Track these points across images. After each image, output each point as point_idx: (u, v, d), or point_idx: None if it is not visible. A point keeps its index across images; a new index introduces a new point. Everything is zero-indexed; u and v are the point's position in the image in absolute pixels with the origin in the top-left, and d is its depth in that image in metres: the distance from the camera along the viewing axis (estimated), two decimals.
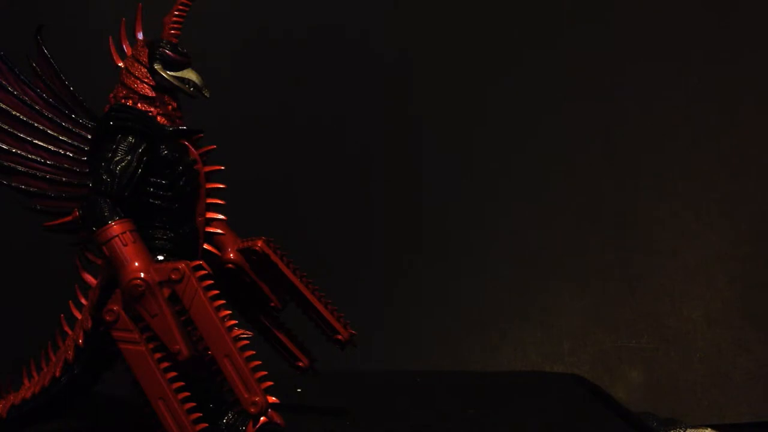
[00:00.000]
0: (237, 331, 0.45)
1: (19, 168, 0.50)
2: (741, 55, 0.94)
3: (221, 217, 0.53)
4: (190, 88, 0.51)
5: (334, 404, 0.63)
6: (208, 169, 0.52)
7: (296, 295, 0.58)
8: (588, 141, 0.95)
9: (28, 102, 0.51)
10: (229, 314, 0.45)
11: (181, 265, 0.45)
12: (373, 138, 0.95)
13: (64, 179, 0.51)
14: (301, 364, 0.60)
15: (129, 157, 0.48)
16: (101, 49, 0.53)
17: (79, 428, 0.57)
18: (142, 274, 0.45)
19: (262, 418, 0.44)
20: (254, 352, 0.45)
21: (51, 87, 0.51)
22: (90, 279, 0.52)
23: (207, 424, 0.45)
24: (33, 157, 0.50)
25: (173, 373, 0.45)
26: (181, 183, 0.50)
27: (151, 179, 0.49)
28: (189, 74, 0.51)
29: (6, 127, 0.50)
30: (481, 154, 0.94)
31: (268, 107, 0.94)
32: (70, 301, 0.53)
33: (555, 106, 0.94)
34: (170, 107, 0.51)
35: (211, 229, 0.53)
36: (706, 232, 0.94)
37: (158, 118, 0.50)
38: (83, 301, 0.52)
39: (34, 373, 0.53)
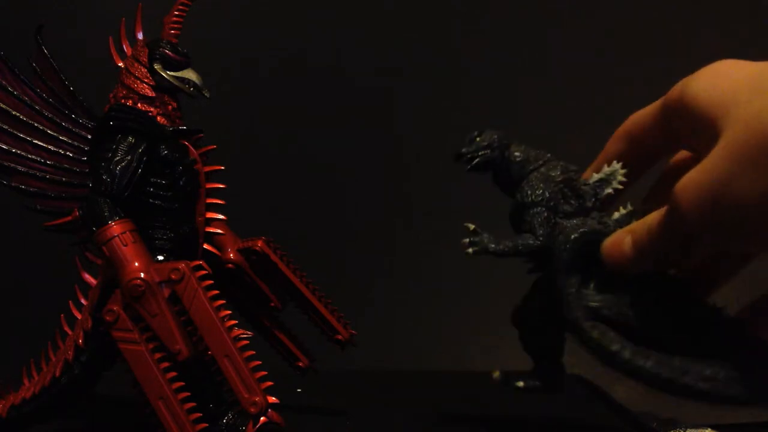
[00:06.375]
0: (237, 331, 0.45)
1: (19, 168, 0.50)
2: (741, 55, 0.94)
3: (221, 217, 0.53)
4: (190, 88, 0.51)
5: (334, 404, 0.63)
6: (208, 169, 0.52)
7: (296, 295, 0.58)
8: (588, 141, 0.94)
9: (28, 102, 0.51)
10: (229, 314, 0.45)
11: (181, 265, 0.45)
12: (374, 138, 0.95)
13: (64, 179, 0.51)
14: (301, 364, 0.60)
15: (129, 157, 0.48)
16: (101, 49, 0.53)
17: (79, 428, 0.57)
18: (142, 274, 0.45)
19: (262, 418, 0.44)
20: (254, 352, 0.45)
21: (51, 87, 0.51)
22: (90, 279, 0.52)
23: (207, 424, 0.45)
24: (33, 157, 0.50)
25: (173, 373, 0.45)
26: (181, 183, 0.50)
27: (151, 179, 0.49)
28: (189, 74, 0.52)
29: (6, 127, 0.50)
30: None
31: (269, 107, 0.94)
32: (70, 301, 0.53)
33: (555, 105, 0.94)
34: (170, 107, 0.51)
35: (211, 229, 0.53)
36: None
37: (158, 118, 0.50)
38: (83, 301, 0.52)
39: (34, 373, 0.53)
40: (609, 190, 0.49)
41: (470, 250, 0.48)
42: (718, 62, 0.43)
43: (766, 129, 0.36)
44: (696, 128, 0.41)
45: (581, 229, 0.47)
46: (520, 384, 0.53)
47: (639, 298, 0.46)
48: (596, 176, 0.50)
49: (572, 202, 0.49)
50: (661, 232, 0.42)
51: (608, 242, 0.46)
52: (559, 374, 0.54)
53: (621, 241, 0.45)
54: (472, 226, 0.49)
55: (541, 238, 0.48)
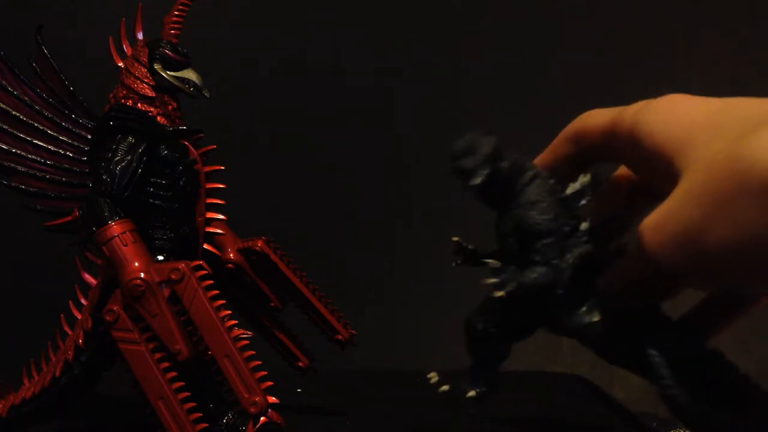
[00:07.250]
0: (237, 331, 0.45)
1: (19, 168, 0.50)
2: (742, 55, 0.94)
3: (221, 217, 0.53)
4: (190, 88, 0.52)
5: (334, 404, 0.63)
6: (208, 169, 0.52)
7: (296, 295, 0.58)
8: None
9: (28, 102, 0.51)
10: (229, 314, 0.45)
11: (181, 265, 0.45)
12: (374, 138, 0.95)
13: (64, 179, 0.51)
14: (301, 364, 0.60)
15: (129, 157, 0.48)
16: (101, 49, 0.53)
17: (79, 428, 0.57)
18: (142, 274, 0.45)
19: (262, 418, 0.44)
20: (254, 352, 0.45)
21: (51, 87, 0.51)
22: (90, 279, 0.52)
23: (207, 424, 0.45)
24: (33, 157, 0.50)
25: (173, 373, 0.45)
26: (181, 183, 0.50)
27: (151, 179, 0.49)
28: (189, 74, 0.52)
29: (6, 127, 0.50)
30: None
31: (269, 107, 0.94)
32: (70, 301, 0.53)
33: (555, 105, 0.94)
34: (170, 107, 0.51)
35: (211, 229, 0.53)
36: None
37: (158, 118, 0.50)
38: (83, 301, 0.52)
39: (34, 373, 0.53)
40: (584, 202, 0.45)
41: (502, 292, 0.44)
42: (670, 96, 0.42)
43: (735, 171, 0.35)
44: (651, 161, 0.40)
45: (577, 251, 0.43)
46: (472, 394, 0.49)
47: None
48: (574, 186, 0.45)
49: (571, 222, 0.44)
50: (637, 273, 0.41)
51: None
52: (497, 375, 0.50)
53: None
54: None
55: (553, 274, 0.43)
